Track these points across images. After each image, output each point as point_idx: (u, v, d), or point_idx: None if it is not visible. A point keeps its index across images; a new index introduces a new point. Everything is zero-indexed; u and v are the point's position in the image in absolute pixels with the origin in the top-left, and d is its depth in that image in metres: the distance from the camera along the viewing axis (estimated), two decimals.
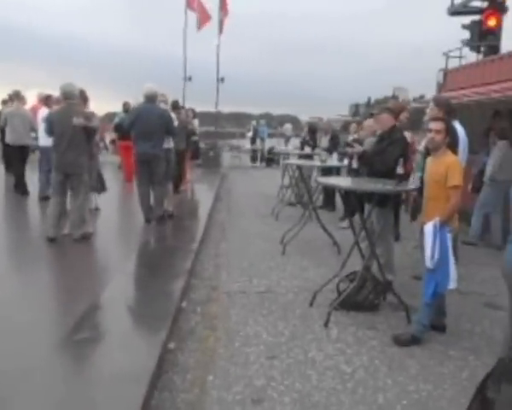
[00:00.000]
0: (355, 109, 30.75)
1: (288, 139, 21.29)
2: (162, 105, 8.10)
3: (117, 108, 13.44)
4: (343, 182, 5.56)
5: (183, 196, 10.63)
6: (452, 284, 3.92)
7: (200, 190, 11.96)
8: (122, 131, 10.35)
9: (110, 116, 19.64)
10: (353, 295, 4.65)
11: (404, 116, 6.91)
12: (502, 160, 7.20)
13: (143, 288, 5.06)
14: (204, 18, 18.09)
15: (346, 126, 13.20)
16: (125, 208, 9.51)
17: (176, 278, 5.19)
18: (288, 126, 23.47)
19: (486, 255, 6.91)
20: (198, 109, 15.38)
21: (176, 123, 8.22)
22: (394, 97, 12.55)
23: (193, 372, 3.57)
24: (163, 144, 7.50)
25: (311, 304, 4.85)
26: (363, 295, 4.69)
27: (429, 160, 4.18)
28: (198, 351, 3.91)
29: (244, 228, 8.36)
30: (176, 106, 10.02)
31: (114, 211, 9.08)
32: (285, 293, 5.23)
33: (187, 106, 14.97)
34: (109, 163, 13.36)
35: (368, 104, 30.08)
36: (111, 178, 9.98)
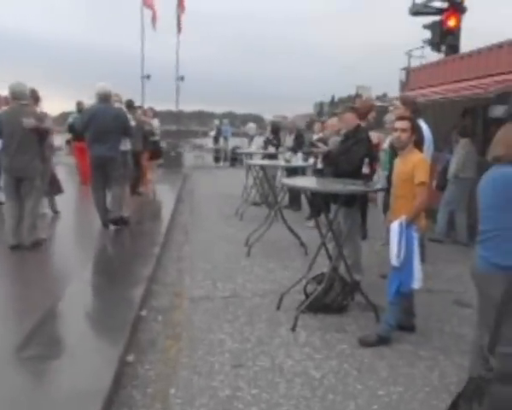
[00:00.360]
0: (319, 108, 31.07)
1: (251, 138, 21.18)
2: (117, 105, 7.79)
3: (72, 107, 12.95)
4: (309, 183, 5.43)
5: (144, 198, 10.31)
6: (416, 284, 3.86)
7: (162, 192, 11.63)
8: (76, 131, 9.93)
9: (65, 116, 19.00)
10: (321, 297, 4.52)
11: (371, 116, 6.89)
12: (465, 158, 7.27)
13: (101, 296, 4.79)
14: (154, 16, 17.73)
15: (310, 125, 13.16)
16: (81, 212, 9.10)
17: (136, 284, 4.94)
18: (251, 126, 23.40)
19: (453, 252, 6.96)
20: (158, 108, 15.01)
21: (132, 123, 7.92)
22: (358, 96, 12.60)
23: (154, 386, 3.36)
24: (120, 146, 7.20)
25: (277, 307, 4.69)
26: (331, 297, 4.57)
27: (397, 159, 4.13)
28: (159, 362, 3.69)
29: (208, 230, 8.15)
30: (130, 105, 9.59)
31: (71, 215, 8.68)
32: (251, 297, 5.05)
33: (146, 105, 14.59)
34: (64, 164, 12.89)
35: (332, 102, 30.54)
36: (67, 179, 9.58)
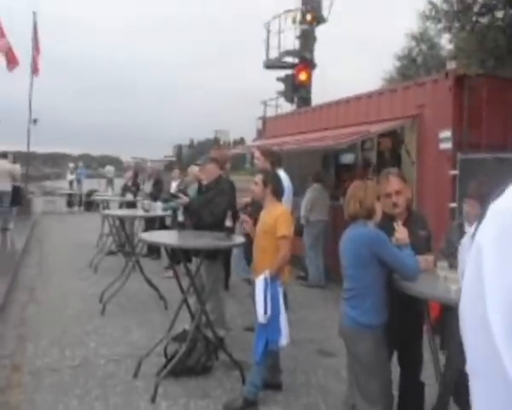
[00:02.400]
0: (178, 150, 31.12)
1: (110, 181, 20.21)
2: None
3: None
4: (169, 238, 5.10)
5: None
6: (284, 341, 3.74)
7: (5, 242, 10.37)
8: None
9: None
10: (184, 359, 4.17)
11: (227, 165, 6.93)
12: (313, 201, 7.55)
13: None
14: (13, 59, 16.31)
15: (169, 167, 12.97)
16: None
17: None
18: (109, 168, 22.44)
19: (313, 296, 7.07)
20: (5, 149, 13.65)
21: None
22: (216, 140, 12.83)
23: None
24: None
25: (135, 375, 4.22)
26: (195, 359, 4.24)
27: (262, 212, 4.08)
28: None
29: (58, 285, 7.32)
30: None
31: None
32: (104, 364, 4.50)
33: None
34: None
35: (191, 145, 30.81)
36: None
